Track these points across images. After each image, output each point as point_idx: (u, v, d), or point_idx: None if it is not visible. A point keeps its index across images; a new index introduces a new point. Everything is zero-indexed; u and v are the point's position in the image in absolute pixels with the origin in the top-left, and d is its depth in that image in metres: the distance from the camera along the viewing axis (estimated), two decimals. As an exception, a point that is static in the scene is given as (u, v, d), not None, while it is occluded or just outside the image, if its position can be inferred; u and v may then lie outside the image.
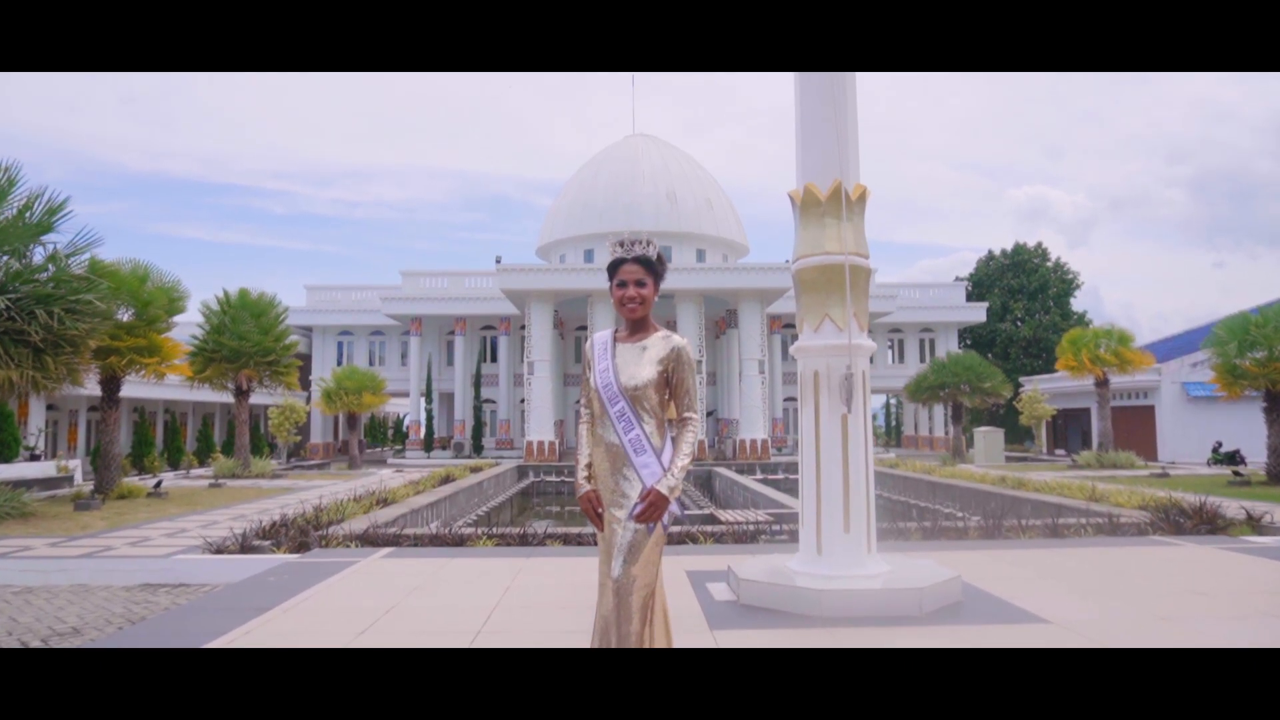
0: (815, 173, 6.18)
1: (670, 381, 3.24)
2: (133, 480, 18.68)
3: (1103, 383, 24.47)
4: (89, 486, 16.98)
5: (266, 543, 8.76)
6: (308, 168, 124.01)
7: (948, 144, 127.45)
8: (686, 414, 3.25)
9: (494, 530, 9.27)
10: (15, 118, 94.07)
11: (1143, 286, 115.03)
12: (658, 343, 3.26)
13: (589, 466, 3.30)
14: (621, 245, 3.35)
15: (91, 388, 16.67)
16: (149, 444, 30.19)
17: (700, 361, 33.33)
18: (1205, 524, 8.92)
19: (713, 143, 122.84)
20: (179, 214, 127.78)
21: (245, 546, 8.60)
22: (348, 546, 8.57)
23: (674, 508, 3.14)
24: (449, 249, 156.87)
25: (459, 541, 8.79)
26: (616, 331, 3.40)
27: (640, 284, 3.26)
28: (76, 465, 22.07)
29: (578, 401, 3.33)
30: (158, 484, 16.39)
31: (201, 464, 31.07)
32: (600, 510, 3.17)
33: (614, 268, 3.33)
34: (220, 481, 19.43)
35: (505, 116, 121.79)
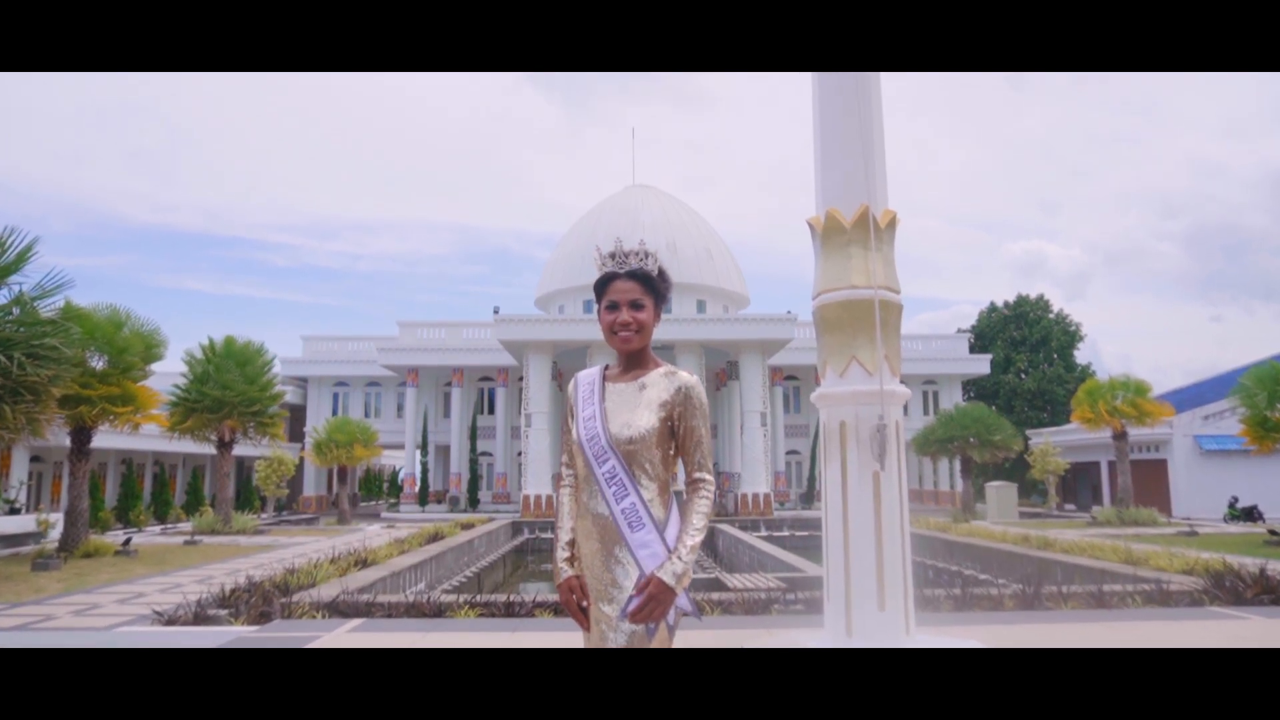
0: (838, 197, 5.47)
1: (676, 432, 2.47)
2: (104, 536, 17.72)
3: (1121, 435, 23.59)
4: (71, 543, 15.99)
5: (224, 612, 7.88)
6: (311, 221, 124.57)
7: (943, 199, 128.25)
8: (698, 474, 2.46)
9: (478, 598, 8.37)
10: (21, 171, 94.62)
11: (1140, 339, 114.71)
12: (659, 381, 2.49)
13: (571, 545, 2.51)
14: (613, 257, 2.58)
15: (65, 438, 15.84)
16: (136, 497, 29.21)
17: (701, 413, 32.45)
18: (1268, 592, 8.03)
19: (711, 197, 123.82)
20: (183, 267, 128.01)
21: (200, 616, 7.71)
22: (314, 617, 7.68)
23: (683, 601, 2.34)
24: (450, 301, 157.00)
25: (438, 612, 7.89)
26: (607, 369, 2.62)
27: (636, 306, 2.51)
28: (59, 519, 21.09)
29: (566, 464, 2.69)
30: (126, 541, 15.44)
31: (189, 517, 30.06)
32: (585, 604, 2.37)
33: (602, 286, 2.56)
34: (197, 538, 18.44)
35: (506, 170, 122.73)
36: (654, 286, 2.57)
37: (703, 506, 2.42)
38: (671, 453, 2.52)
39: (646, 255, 2.60)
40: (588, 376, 2.64)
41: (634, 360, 2.56)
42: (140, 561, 13.73)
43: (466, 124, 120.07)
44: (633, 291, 2.51)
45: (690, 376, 2.53)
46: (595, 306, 2.62)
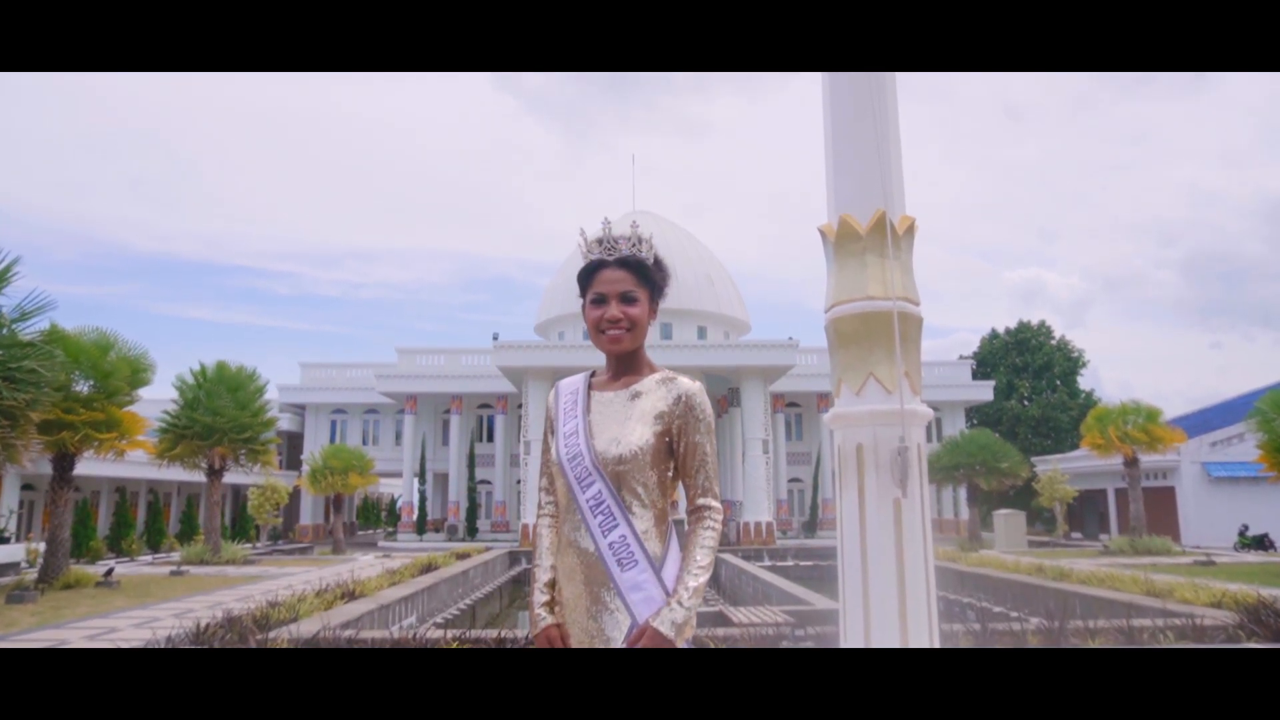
0: (851, 202, 5.07)
1: (676, 449, 2.07)
2: (88, 567, 17.19)
3: (1132, 462, 23.07)
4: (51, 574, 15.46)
5: (195, 649, 7.38)
6: (313, 249, 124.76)
7: (941, 227, 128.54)
8: (702, 500, 2.05)
9: (467, 633, 7.88)
10: (25, 200, 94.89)
11: (1140, 366, 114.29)
12: (655, 389, 2.10)
13: (551, 586, 2.08)
14: (600, 243, 2.16)
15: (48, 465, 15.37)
16: (129, 526, 28.67)
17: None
18: (1308, 628, 7.53)
19: (711, 225, 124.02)
20: (185, 295, 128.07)
21: (169, 655, 7.21)
22: (291, 655, 7.18)
23: None
24: (451, 329, 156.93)
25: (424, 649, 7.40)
26: (594, 375, 2.21)
27: (628, 299, 2.10)
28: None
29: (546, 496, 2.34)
30: (108, 572, 14.91)
31: (183, 546, 29.52)
32: (568, 660, 1.93)
33: (588, 276, 2.16)
34: (184, 569, 17.90)
35: (507, 199, 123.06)
36: (648, 277, 2.16)
37: (708, 539, 2.00)
38: (670, 474, 2.11)
39: (640, 241, 2.18)
40: (570, 385, 2.23)
41: (625, 364, 2.16)
42: (121, 593, 13.22)
43: (468, 153, 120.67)
44: (623, 282, 2.11)
45: (692, 383, 2.11)
46: (582, 304, 2.21)
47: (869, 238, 4.96)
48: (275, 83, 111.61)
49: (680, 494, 2.20)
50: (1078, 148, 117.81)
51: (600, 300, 2.11)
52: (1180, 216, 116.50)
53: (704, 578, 1.95)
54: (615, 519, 1.99)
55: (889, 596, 4.61)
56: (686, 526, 2.09)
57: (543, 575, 2.09)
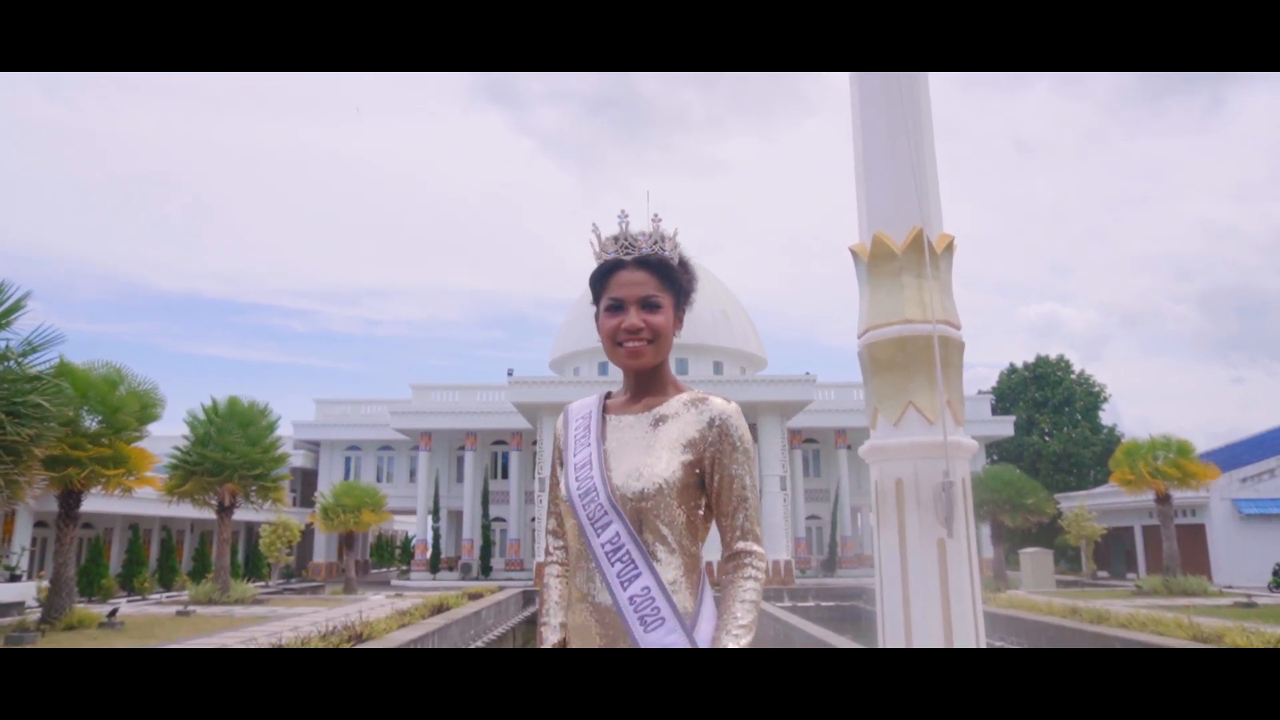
0: (885, 219, 4.75)
1: (709, 482, 1.72)
2: (94, 606, 16.85)
3: (1164, 499, 22.38)
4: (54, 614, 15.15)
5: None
6: (331, 287, 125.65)
7: (957, 263, 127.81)
8: (742, 544, 1.70)
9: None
10: (49, 242, 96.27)
11: (1161, 402, 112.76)
12: (683, 411, 1.76)
13: (563, 645, 1.73)
14: (616, 241, 1.83)
15: (67, 502, 15.11)
16: (141, 563, 28.38)
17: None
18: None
19: (726, 262, 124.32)
20: (204, 333, 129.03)
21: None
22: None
23: None
24: (467, 366, 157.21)
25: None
26: (609, 397, 1.88)
27: (649, 305, 1.77)
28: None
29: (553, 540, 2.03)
30: (112, 613, 14.55)
31: (194, 584, 29.23)
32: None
33: (603, 280, 1.82)
34: (191, 609, 17.52)
35: (523, 237, 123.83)
36: (673, 279, 1.83)
37: (749, 591, 1.66)
38: (701, 513, 1.76)
39: (662, 238, 1.85)
40: (582, 408, 1.89)
41: (646, 383, 1.82)
42: (123, 634, 12.87)
43: (485, 193, 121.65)
44: (644, 285, 1.78)
45: (727, 404, 1.77)
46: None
47: (905, 257, 4.63)
48: (298, 124, 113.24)
49: (715, 538, 1.86)
50: (1090, 183, 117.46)
51: (617, 307, 1.78)
52: (1196, 251, 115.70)
53: (746, 639, 1.61)
54: (637, 568, 1.65)
55: (934, 643, 4.21)
56: (718, 573, 1.75)
57: (551, 635, 1.74)
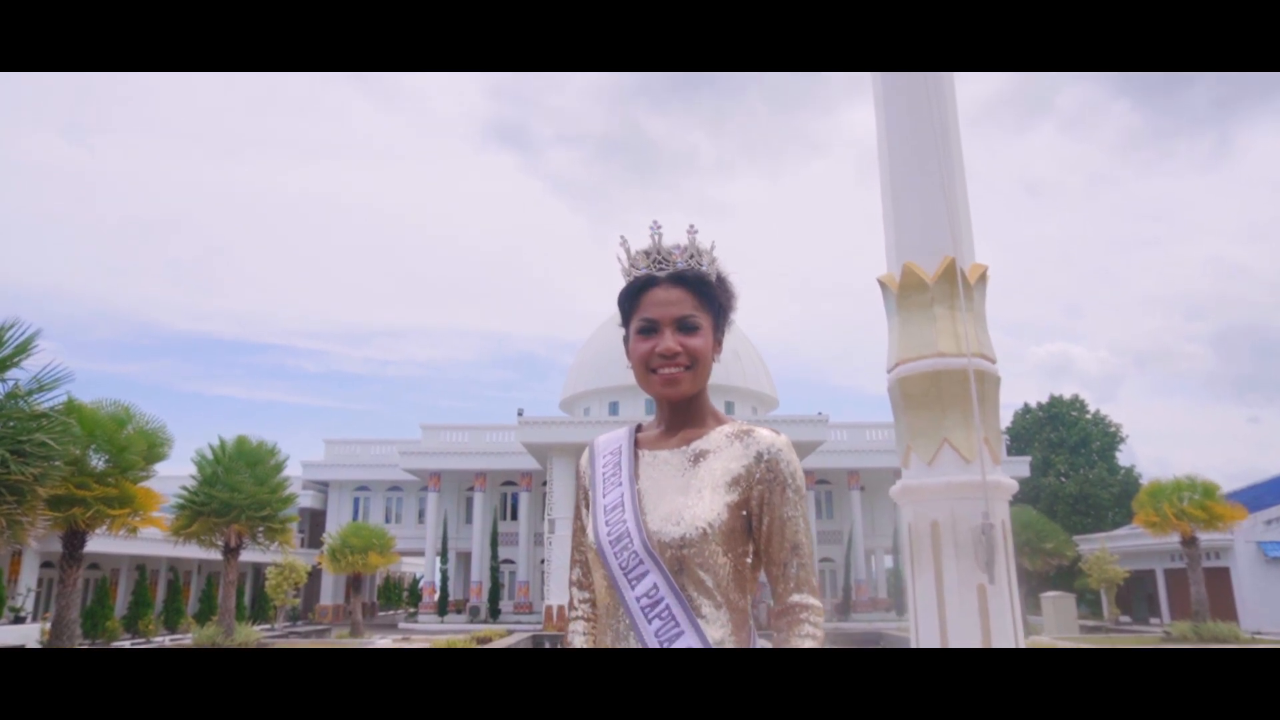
0: (915, 249, 4.57)
1: (758, 526, 1.52)
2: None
3: (1190, 541, 21.88)
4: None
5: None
6: (343, 327, 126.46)
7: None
8: (797, 597, 1.51)
9: None
10: (66, 284, 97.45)
11: (1176, 442, 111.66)
12: (725, 445, 1.57)
13: None
14: (648, 255, 1.62)
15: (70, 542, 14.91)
16: (147, 605, 28.10)
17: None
18: None
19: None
20: (216, 373, 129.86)
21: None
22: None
23: None
24: (477, 406, 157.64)
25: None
26: (640, 430, 1.67)
27: (687, 326, 1.57)
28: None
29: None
30: (115, 657, 14.24)
31: (200, 626, 28.87)
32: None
33: (633, 299, 1.62)
34: (195, 653, 17.17)
35: (534, 278, 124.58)
36: (712, 297, 1.62)
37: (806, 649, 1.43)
38: (749, 560, 1.54)
39: (699, 252, 1.64)
40: (610, 442, 1.68)
41: (683, 414, 1.62)
42: (125, 680, 12.55)
43: (495, 234, 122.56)
44: (681, 304, 1.57)
45: (776, 436, 1.56)
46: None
47: (937, 287, 4.43)
48: (310, 167, 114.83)
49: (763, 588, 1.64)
50: (1099, 223, 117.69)
51: (650, 329, 1.57)
52: (1207, 290, 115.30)
53: None
54: (679, 625, 1.44)
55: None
56: (774, 632, 1.54)
57: None
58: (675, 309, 1.57)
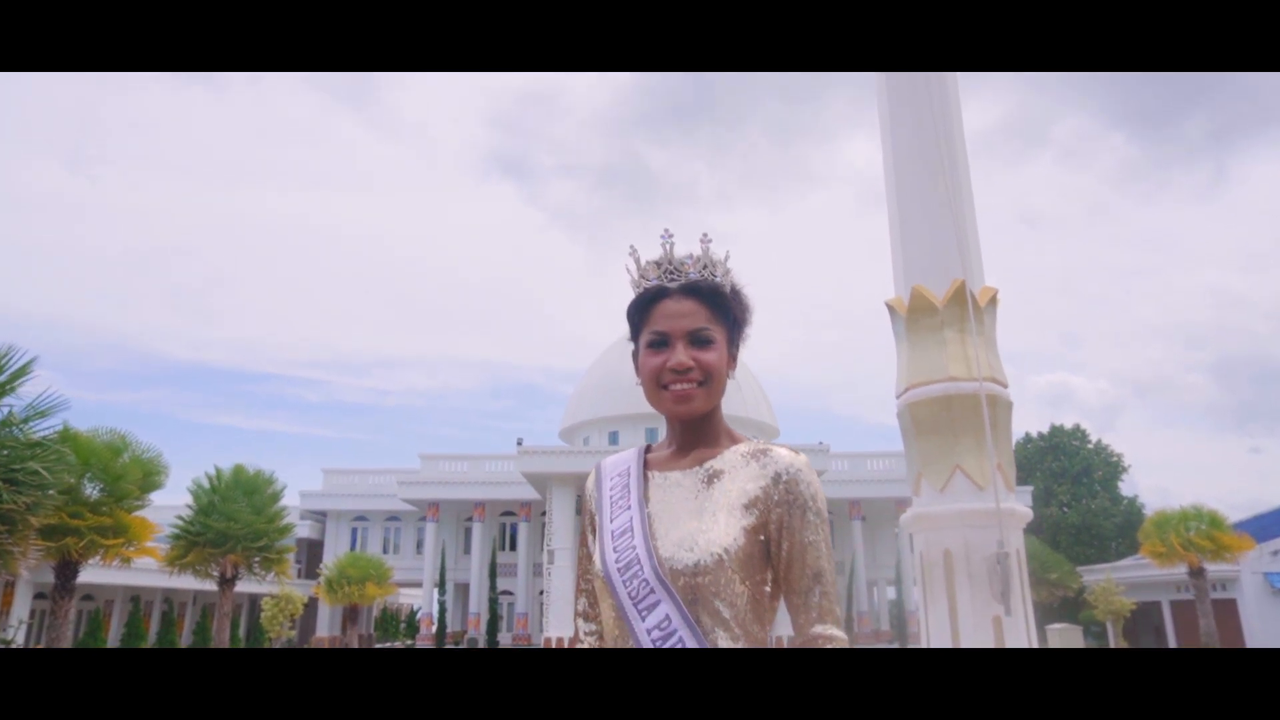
0: (923, 272, 4.49)
1: (776, 552, 1.42)
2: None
3: (1198, 572, 21.65)
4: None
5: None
6: (343, 356, 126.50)
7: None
8: (819, 629, 1.40)
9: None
10: (66, 312, 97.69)
11: (1178, 472, 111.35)
12: (741, 466, 1.47)
13: None
14: (659, 266, 1.53)
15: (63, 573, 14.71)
16: (140, 636, 27.77)
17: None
18: None
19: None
20: (216, 402, 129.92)
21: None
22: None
23: None
24: (476, 436, 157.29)
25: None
26: (650, 450, 1.58)
27: (700, 340, 1.48)
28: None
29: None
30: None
31: (190, 661, 28.47)
32: None
33: (643, 311, 1.53)
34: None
35: (533, 307, 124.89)
36: (726, 310, 1.53)
37: None
38: (768, 589, 1.44)
39: (712, 263, 1.55)
40: (618, 463, 1.58)
41: (696, 433, 1.52)
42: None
43: (496, 264, 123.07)
44: (694, 316, 1.48)
45: (795, 456, 1.46)
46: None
47: (946, 310, 4.35)
48: (311, 197, 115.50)
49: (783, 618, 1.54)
50: (1097, 254, 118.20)
51: (660, 343, 1.47)
52: (1206, 320, 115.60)
53: None
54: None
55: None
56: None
57: None
58: (688, 321, 1.47)
